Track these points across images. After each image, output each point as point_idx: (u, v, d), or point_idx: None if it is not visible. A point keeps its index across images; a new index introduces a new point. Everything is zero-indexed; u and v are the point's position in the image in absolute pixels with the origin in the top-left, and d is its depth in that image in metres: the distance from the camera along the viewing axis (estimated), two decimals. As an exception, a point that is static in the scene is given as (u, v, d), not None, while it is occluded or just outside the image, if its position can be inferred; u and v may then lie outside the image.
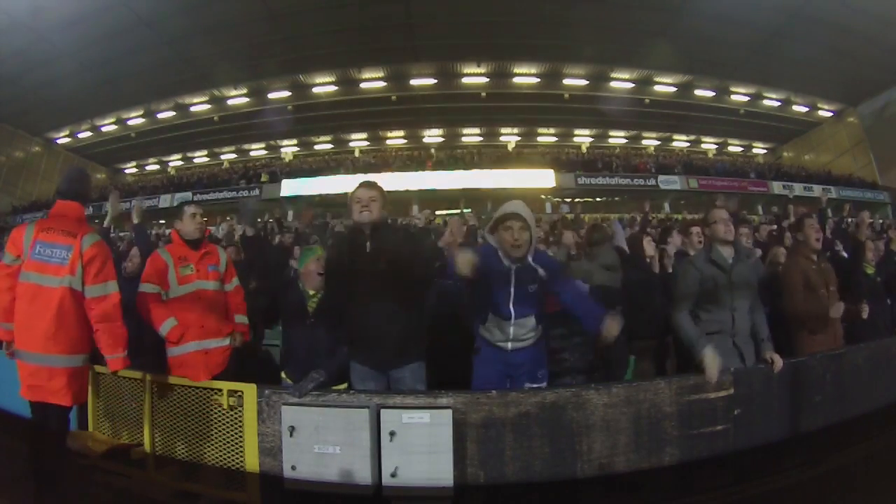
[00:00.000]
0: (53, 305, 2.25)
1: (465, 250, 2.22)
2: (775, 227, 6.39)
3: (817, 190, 19.43)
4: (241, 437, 2.46)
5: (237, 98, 19.73)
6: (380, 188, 2.53)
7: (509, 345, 2.42)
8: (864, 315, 3.23)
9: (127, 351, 2.37)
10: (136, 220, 3.72)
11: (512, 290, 2.37)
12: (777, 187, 19.72)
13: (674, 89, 19.66)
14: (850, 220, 6.39)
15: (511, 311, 2.37)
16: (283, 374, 2.85)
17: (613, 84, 19.33)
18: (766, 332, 2.75)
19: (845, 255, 4.50)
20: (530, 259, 2.39)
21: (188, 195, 19.33)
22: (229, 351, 2.84)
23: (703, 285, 2.68)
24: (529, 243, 2.36)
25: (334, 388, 2.50)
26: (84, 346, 2.34)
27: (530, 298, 2.40)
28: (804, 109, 21.15)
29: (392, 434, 2.19)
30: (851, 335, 3.36)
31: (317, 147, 24.27)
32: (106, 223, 3.68)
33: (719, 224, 2.74)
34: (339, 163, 21.35)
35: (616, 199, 20.73)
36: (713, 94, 19.82)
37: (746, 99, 20.28)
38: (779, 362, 2.63)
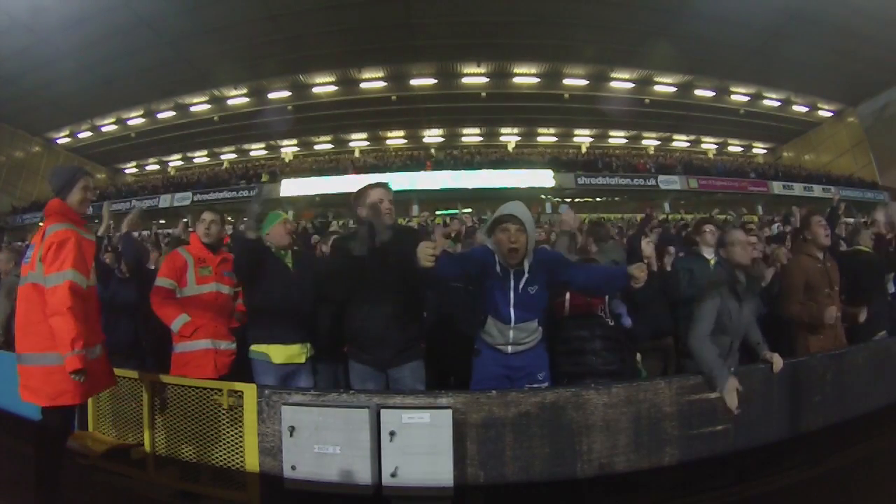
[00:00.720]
0: (21, 303, 2.25)
1: (425, 242, 2.11)
2: (777, 226, 6.38)
3: (817, 190, 19.48)
4: (241, 437, 2.45)
5: (237, 98, 19.76)
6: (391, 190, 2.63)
7: (509, 348, 2.39)
8: (862, 318, 3.14)
9: (82, 349, 2.13)
10: (124, 229, 3.63)
11: (511, 293, 2.33)
12: (777, 187, 19.74)
13: (674, 89, 19.69)
14: (850, 220, 6.39)
15: (511, 314, 2.33)
16: (255, 349, 2.73)
17: (613, 84, 19.36)
18: (759, 336, 2.73)
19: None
20: (528, 262, 2.33)
21: (188, 195, 19.39)
22: (234, 356, 2.86)
23: (719, 313, 2.54)
24: (527, 246, 2.29)
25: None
26: (57, 343, 2.15)
27: (531, 301, 2.35)
28: (804, 109, 21.18)
29: (392, 434, 2.19)
30: (857, 333, 3.33)
31: (317, 147, 24.29)
32: (101, 232, 3.67)
33: (737, 247, 2.63)
34: (338, 163, 21.38)
35: (616, 199, 20.75)
36: (713, 94, 19.85)
37: (746, 99, 20.32)
38: (778, 362, 2.62)
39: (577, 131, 23.72)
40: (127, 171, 26.06)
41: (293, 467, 2.26)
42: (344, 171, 19.46)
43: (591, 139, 24.14)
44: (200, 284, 2.83)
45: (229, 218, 9.01)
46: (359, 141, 23.90)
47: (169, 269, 2.84)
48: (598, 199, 20.67)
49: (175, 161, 25.27)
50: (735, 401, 2.39)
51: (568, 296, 2.74)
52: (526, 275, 2.32)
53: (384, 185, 2.63)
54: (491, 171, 18.97)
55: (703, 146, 24.90)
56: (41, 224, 2.40)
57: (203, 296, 2.82)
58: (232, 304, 2.95)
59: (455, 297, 2.98)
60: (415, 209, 19.10)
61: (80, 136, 21.53)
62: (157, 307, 2.78)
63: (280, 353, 2.71)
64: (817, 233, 3.17)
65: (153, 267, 4.35)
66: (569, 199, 19.58)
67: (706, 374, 2.45)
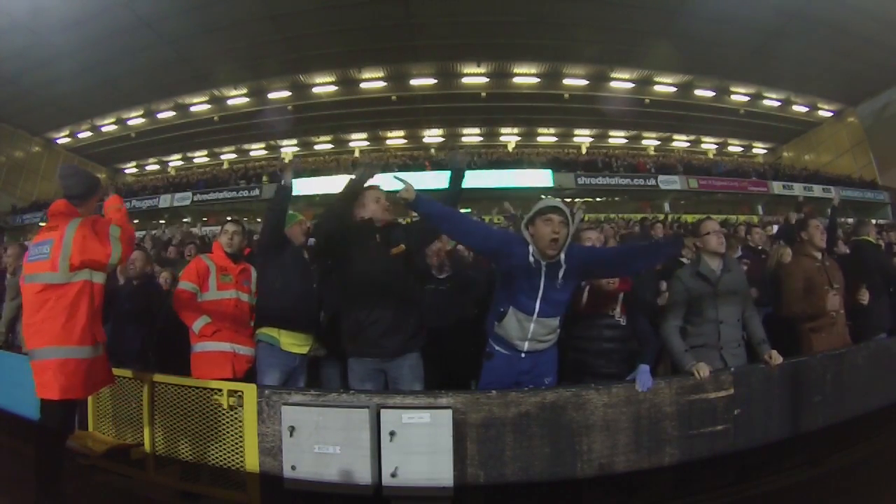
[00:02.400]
0: (34, 302, 2.26)
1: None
2: (777, 227, 6.39)
3: (817, 190, 19.47)
4: (241, 437, 2.45)
5: (237, 98, 19.73)
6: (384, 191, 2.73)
7: (525, 345, 2.35)
8: (864, 300, 3.16)
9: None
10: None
11: (541, 285, 2.31)
12: (777, 187, 19.73)
13: (674, 89, 19.65)
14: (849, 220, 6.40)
15: (536, 307, 2.31)
16: (263, 332, 2.83)
17: (613, 84, 19.32)
18: (762, 334, 2.77)
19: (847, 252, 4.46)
20: (563, 256, 2.33)
21: (188, 195, 19.38)
22: (252, 363, 2.89)
23: (690, 298, 2.74)
24: (566, 239, 2.31)
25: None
26: (69, 337, 2.22)
27: (558, 297, 2.34)
28: (804, 109, 21.13)
29: (392, 434, 2.19)
30: (861, 332, 3.34)
31: (317, 147, 24.28)
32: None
33: (712, 236, 2.79)
34: (338, 163, 21.38)
35: (616, 199, 20.73)
36: (713, 94, 19.81)
37: (746, 99, 20.27)
38: (777, 358, 2.64)
39: (577, 131, 23.68)
40: (127, 171, 26.06)
41: (293, 467, 2.26)
42: (345, 171, 19.46)
43: (591, 139, 24.10)
44: (221, 290, 2.93)
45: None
46: (359, 141, 23.88)
47: (192, 273, 2.95)
48: (598, 199, 20.65)
49: (175, 161, 25.25)
50: (706, 373, 2.51)
51: (587, 291, 2.67)
52: (563, 266, 2.31)
53: (376, 187, 2.72)
54: (491, 171, 18.94)
55: (703, 146, 24.88)
56: (42, 225, 2.41)
57: (223, 301, 2.91)
58: (250, 313, 3.02)
59: (455, 294, 3.00)
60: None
61: (80, 136, 21.49)
62: (179, 308, 2.89)
63: (288, 339, 2.80)
64: (813, 234, 3.25)
65: (153, 270, 4.35)
66: (568, 199, 19.56)
67: (675, 360, 2.68)
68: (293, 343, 2.81)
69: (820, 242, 3.25)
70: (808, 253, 3.26)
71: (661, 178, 19.27)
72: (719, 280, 2.75)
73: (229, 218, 3.43)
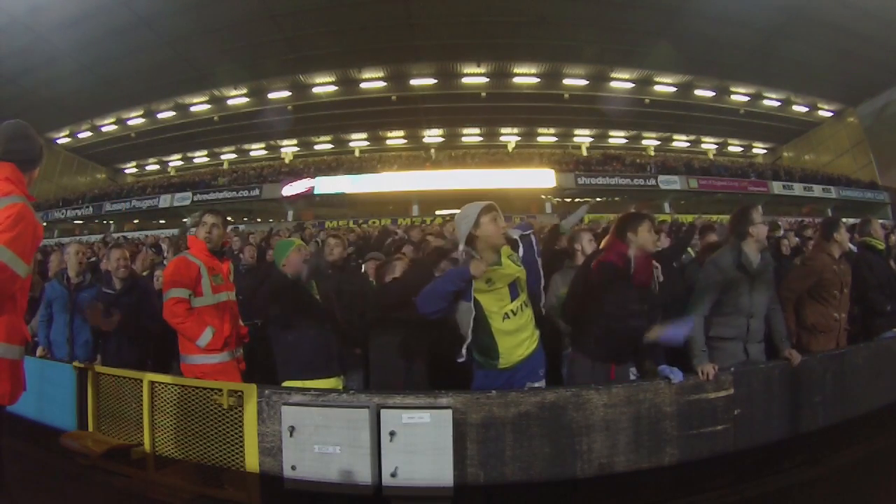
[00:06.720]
0: None
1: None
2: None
3: (817, 190, 19.49)
4: (241, 437, 2.45)
5: (237, 98, 19.75)
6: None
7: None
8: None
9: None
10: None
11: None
12: (777, 187, 19.75)
13: (674, 89, 19.67)
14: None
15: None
16: (290, 385, 2.68)
17: (613, 84, 19.35)
18: (785, 329, 2.75)
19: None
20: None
21: (188, 195, 19.40)
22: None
23: (724, 288, 2.61)
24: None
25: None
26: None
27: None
28: (804, 109, 21.17)
29: (392, 434, 2.19)
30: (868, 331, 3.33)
31: (317, 147, 24.29)
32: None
33: (762, 226, 2.67)
34: (339, 163, 21.40)
35: (616, 199, 20.74)
36: (713, 94, 19.84)
37: (746, 99, 20.31)
38: (796, 357, 2.65)
39: (577, 131, 23.71)
40: (127, 171, 26.06)
41: (293, 467, 2.26)
42: (345, 171, 19.49)
43: (591, 139, 24.13)
44: (217, 293, 2.71)
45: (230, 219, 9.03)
46: (359, 141, 23.90)
47: (183, 277, 2.64)
48: (598, 199, 20.66)
49: (175, 161, 25.26)
50: (710, 376, 2.48)
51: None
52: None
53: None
54: (491, 171, 18.96)
55: (703, 146, 24.89)
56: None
57: (220, 305, 2.72)
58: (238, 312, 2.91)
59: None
60: (415, 209, 19.10)
61: (80, 136, 21.52)
62: (178, 320, 2.61)
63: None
64: (843, 238, 3.18)
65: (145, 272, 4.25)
66: (569, 199, 19.58)
67: (690, 352, 2.55)
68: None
69: (847, 246, 3.21)
70: (829, 252, 3.18)
71: (661, 178, 19.29)
72: (757, 272, 2.63)
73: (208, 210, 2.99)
